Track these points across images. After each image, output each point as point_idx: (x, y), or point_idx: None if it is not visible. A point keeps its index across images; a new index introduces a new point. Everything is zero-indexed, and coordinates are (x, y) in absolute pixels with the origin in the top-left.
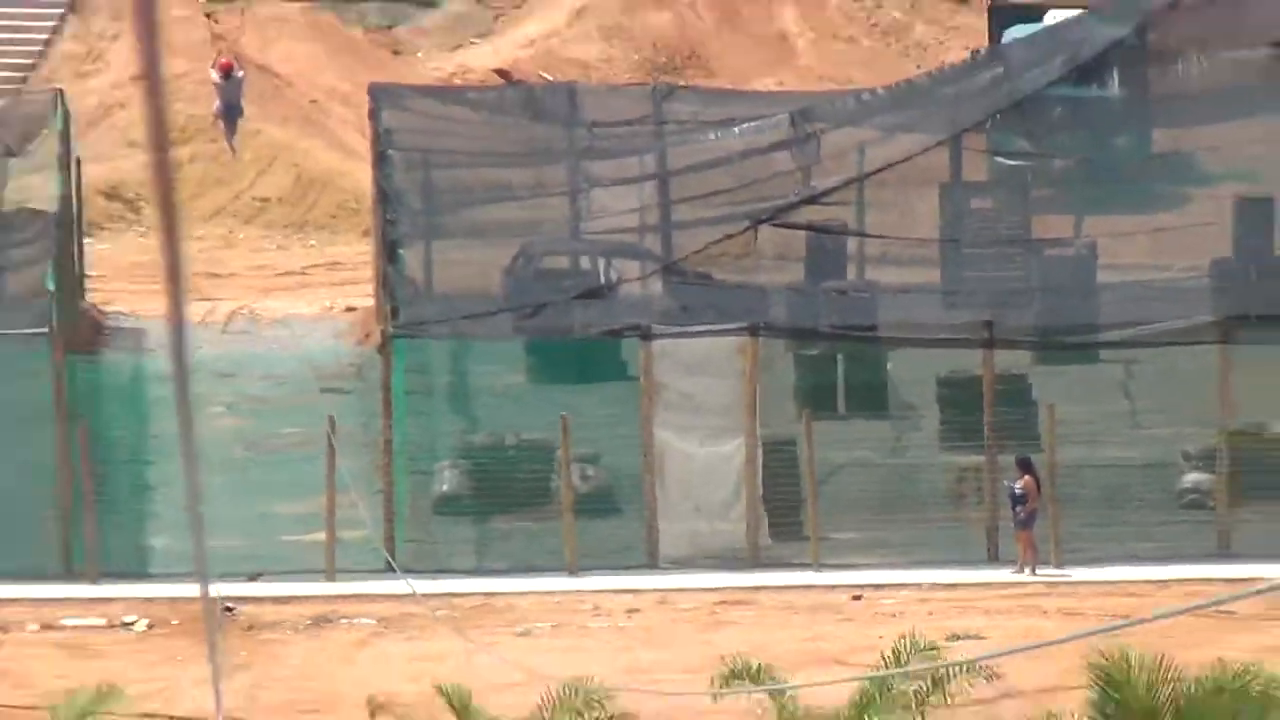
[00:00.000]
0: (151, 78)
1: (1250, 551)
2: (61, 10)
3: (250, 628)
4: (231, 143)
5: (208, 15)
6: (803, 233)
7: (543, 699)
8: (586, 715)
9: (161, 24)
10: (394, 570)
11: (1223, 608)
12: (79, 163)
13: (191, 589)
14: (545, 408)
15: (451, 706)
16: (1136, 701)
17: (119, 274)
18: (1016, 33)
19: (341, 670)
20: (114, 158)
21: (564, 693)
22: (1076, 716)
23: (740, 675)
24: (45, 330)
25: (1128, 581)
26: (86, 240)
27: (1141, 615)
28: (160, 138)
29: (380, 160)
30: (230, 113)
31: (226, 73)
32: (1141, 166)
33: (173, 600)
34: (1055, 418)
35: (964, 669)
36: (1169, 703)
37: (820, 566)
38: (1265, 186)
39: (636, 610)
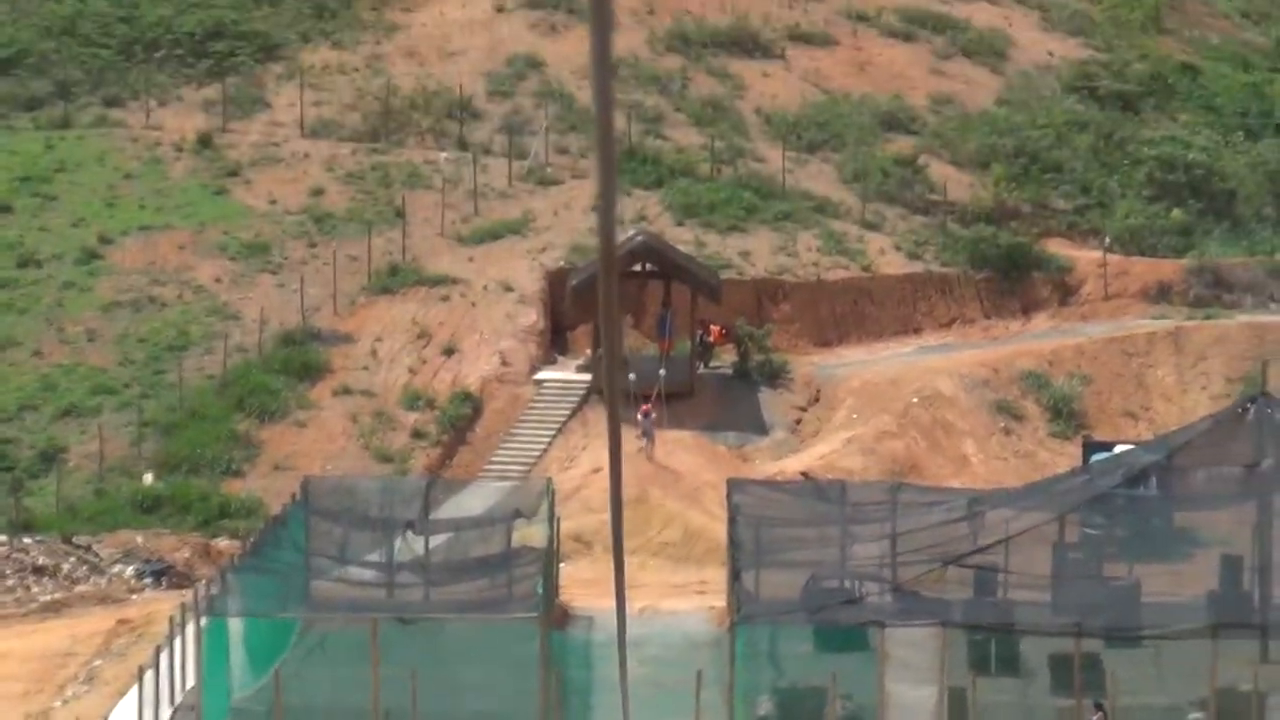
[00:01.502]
0: (614, 470)
1: None
2: (552, 433)
3: None
4: (650, 453)
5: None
6: (973, 570)
7: None
8: None
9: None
10: None
11: None
12: (559, 520)
13: None
14: (823, 665)
15: None
16: None
17: (577, 585)
18: (1097, 457)
19: None
20: (578, 516)
21: None
22: None
23: None
24: (535, 615)
25: None
26: (560, 564)
27: None
28: (618, 523)
29: (732, 522)
30: (647, 435)
31: (645, 414)
32: (1167, 536)
33: None
34: (1117, 677)
35: None
36: None
37: None
38: (1238, 549)
39: None
